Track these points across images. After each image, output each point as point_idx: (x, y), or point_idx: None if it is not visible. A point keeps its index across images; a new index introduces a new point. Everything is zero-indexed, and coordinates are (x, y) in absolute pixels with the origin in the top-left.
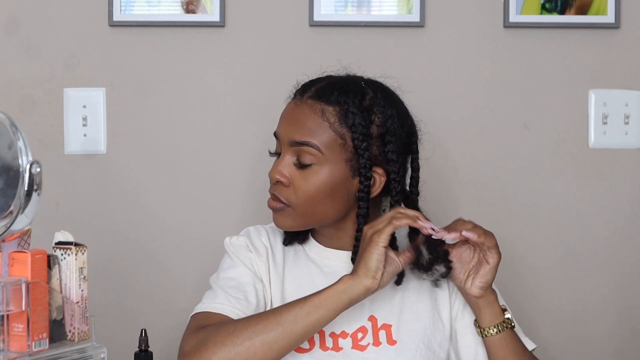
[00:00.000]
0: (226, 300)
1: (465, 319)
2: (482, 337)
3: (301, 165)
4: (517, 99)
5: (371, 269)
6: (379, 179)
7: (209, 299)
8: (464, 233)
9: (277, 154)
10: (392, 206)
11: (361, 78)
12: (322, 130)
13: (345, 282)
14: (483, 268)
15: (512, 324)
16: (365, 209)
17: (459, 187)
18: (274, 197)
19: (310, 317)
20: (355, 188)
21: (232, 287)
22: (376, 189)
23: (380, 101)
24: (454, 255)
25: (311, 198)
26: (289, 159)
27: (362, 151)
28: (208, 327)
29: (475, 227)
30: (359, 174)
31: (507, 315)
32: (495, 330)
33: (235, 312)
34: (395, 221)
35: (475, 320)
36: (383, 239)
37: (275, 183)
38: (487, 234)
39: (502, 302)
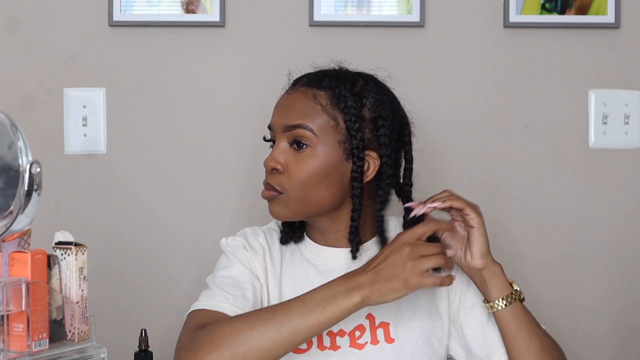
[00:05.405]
0: (223, 297)
1: (468, 316)
2: (492, 312)
3: (295, 149)
4: (517, 99)
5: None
6: (373, 162)
7: (206, 297)
8: (428, 206)
9: (272, 140)
10: (382, 190)
11: (352, 70)
12: (315, 113)
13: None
14: (471, 234)
15: (522, 296)
16: (360, 189)
17: (458, 188)
18: (268, 186)
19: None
20: (349, 173)
21: (230, 285)
22: (370, 173)
23: (371, 88)
24: (445, 235)
25: (305, 182)
26: (283, 145)
27: (354, 132)
28: (205, 328)
29: (448, 197)
30: (352, 156)
31: (516, 287)
32: (504, 302)
33: (233, 309)
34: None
35: (485, 299)
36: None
37: (270, 171)
38: (456, 199)
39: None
